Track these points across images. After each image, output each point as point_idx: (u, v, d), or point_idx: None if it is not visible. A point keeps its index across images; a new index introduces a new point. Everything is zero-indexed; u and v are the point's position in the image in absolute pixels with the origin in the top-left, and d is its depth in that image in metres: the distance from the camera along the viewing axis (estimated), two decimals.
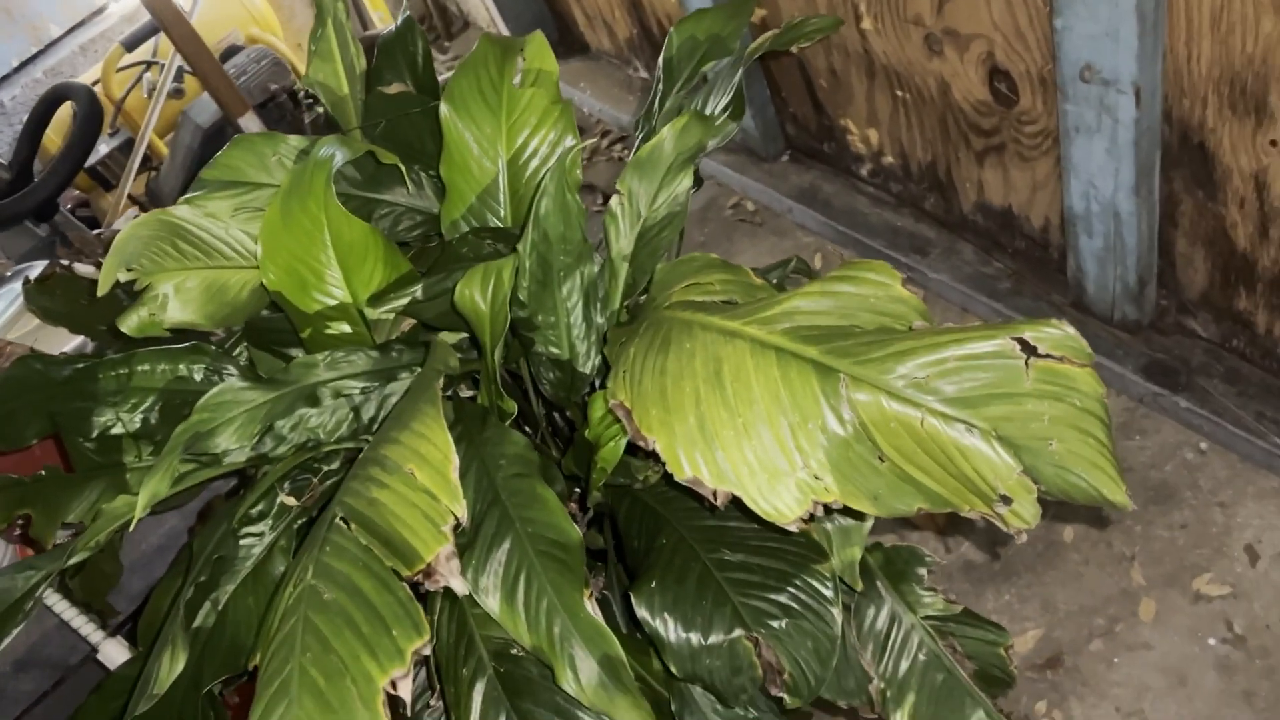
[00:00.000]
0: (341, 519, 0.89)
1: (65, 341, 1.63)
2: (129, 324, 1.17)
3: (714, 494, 0.84)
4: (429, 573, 0.84)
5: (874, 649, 1.12)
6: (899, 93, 2.01)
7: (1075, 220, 1.79)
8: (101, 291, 1.15)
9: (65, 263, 1.74)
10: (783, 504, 0.82)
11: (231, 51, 2.67)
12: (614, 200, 1.07)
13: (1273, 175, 1.50)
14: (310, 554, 0.89)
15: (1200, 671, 1.60)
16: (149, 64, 2.65)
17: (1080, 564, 1.77)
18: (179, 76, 2.61)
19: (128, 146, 2.63)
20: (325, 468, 1.19)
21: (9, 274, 1.79)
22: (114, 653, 1.60)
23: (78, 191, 2.70)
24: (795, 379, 0.83)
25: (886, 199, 2.30)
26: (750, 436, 0.83)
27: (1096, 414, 0.78)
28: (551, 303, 1.07)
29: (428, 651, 0.80)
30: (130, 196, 2.51)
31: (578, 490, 1.18)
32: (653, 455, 0.88)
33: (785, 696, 0.97)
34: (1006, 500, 0.76)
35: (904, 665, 1.12)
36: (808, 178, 2.43)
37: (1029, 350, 0.77)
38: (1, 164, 1.89)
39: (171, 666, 0.99)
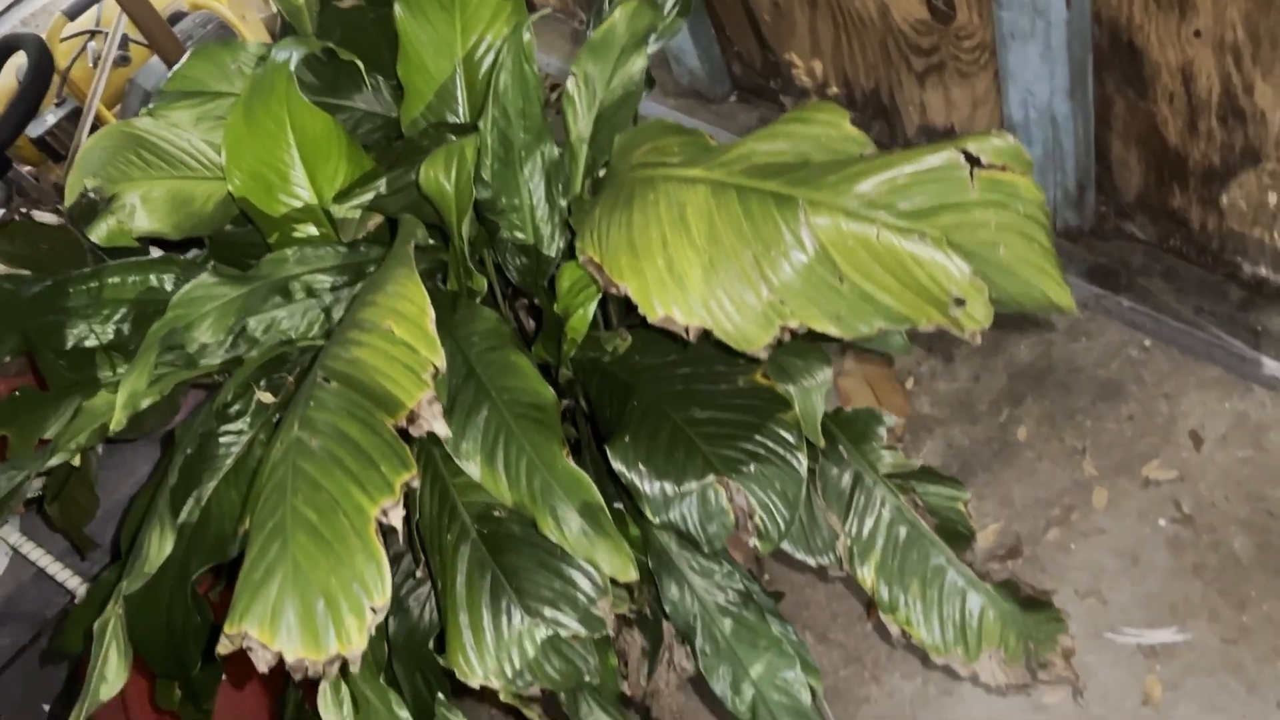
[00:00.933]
0: (323, 378, 0.92)
1: None
2: (98, 232, 1.19)
3: (686, 330, 0.88)
4: (412, 418, 0.87)
5: (839, 508, 1.16)
6: (840, 19, 2.07)
7: (1015, 130, 1.85)
8: (68, 202, 1.17)
9: (24, 210, 1.74)
10: (751, 331, 0.86)
11: (177, 17, 2.67)
12: (570, 83, 1.11)
13: (1198, 68, 1.56)
14: (294, 412, 0.91)
15: (1152, 551, 1.67)
16: (93, 33, 2.63)
17: (1034, 460, 1.83)
18: (124, 44, 2.60)
19: (75, 116, 2.62)
20: (300, 366, 1.21)
21: None
22: None
23: (27, 166, 2.68)
24: (756, 211, 0.87)
25: None
26: (717, 271, 0.87)
27: (1038, 220, 0.82)
28: (515, 183, 1.10)
29: (415, 484, 0.83)
30: None
31: (549, 374, 1.22)
32: (626, 309, 0.92)
33: (757, 543, 1.01)
34: (960, 303, 0.81)
35: (869, 522, 1.16)
36: (755, 116, 2.47)
37: (973, 161, 0.81)
38: None
39: (160, 546, 1.01)
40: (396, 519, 0.82)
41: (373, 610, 0.79)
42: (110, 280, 1.24)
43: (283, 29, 1.40)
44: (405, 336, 0.90)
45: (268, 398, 1.18)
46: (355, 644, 0.78)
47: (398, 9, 1.20)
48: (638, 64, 1.11)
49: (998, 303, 0.84)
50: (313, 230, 1.21)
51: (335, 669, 0.78)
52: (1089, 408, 1.85)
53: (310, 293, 1.15)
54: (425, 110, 1.22)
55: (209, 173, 1.26)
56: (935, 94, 2.02)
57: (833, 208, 0.84)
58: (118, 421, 1.11)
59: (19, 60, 2.40)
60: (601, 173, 1.10)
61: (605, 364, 1.12)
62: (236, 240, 1.30)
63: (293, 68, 1.13)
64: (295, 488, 0.84)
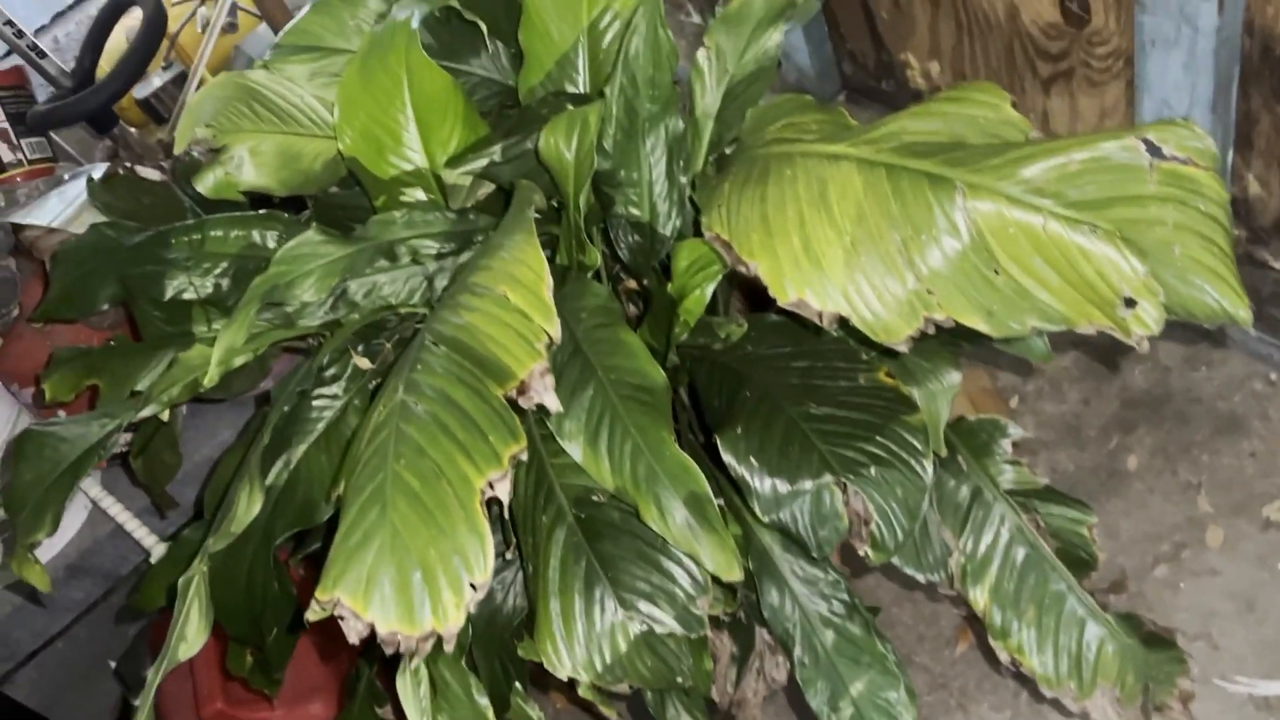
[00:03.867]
0: (431, 342, 0.87)
1: None
2: (205, 183, 1.16)
3: (820, 315, 0.82)
4: (522, 389, 0.82)
5: (955, 523, 1.09)
6: (964, 20, 1.99)
7: None
8: (178, 149, 1.15)
9: (128, 164, 1.73)
10: (892, 321, 0.80)
11: None
12: (700, 54, 1.06)
13: None
14: (399, 375, 0.87)
15: (1270, 597, 1.57)
16: None
17: (1145, 492, 1.73)
18: (233, 11, 2.61)
19: (181, 80, 2.64)
20: (399, 334, 1.17)
21: (69, 176, 1.78)
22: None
23: (132, 127, 2.71)
24: (907, 191, 0.81)
25: None
26: (859, 253, 0.81)
27: (1220, 220, 0.75)
28: (635, 156, 1.05)
29: (524, 457, 0.79)
30: None
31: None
32: (742, 294, 0.87)
33: (870, 552, 0.95)
34: (1130, 304, 0.74)
35: (985, 540, 1.09)
36: (865, 117, 2.38)
37: (1154, 151, 0.74)
38: (65, 71, 1.89)
39: (249, 507, 0.98)
40: (503, 493, 0.77)
41: (472, 587, 0.74)
42: (212, 233, 1.21)
43: None
44: (520, 303, 0.85)
45: (365, 363, 1.14)
46: (452, 620, 0.73)
47: None
48: (773, 39, 1.06)
49: (1166, 308, 0.77)
50: (421, 195, 1.17)
51: (429, 646, 0.73)
52: (1206, 441, 1.74)
53: (415, 258, 1.12)
54: (545, 79, 1.17)
55: (319, 130, 1.23)
56: (1060, 102, 1.93)
57: (994, 192, 0.77)
58: (211, 377, 1.08)
59: (130, 21, 2.42)
60: (729, 150, 1.05)
61: (715, 351, 1.06)
62: (341, 202, 1.26)
63: (414, 24, 1.09)
64: (398, 452, 0.80)
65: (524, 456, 0.78)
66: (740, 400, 0.99)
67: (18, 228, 1.61)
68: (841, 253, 0.82)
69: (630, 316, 1.29)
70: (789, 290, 0.83)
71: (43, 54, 1.86)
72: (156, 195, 1.53)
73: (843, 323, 0.82)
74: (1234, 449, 1.72)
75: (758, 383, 1.01)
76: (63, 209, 1.67)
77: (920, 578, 1.08)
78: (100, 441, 1.07)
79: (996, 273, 0.79)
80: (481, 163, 1.11)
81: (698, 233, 1.07)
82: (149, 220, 1.48)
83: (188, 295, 1.20)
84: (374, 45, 1.11)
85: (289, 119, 1.21)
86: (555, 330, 0.83)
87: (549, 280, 0.85)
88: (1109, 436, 1.81)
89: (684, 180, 1.08)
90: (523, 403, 0.82)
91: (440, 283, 1.16)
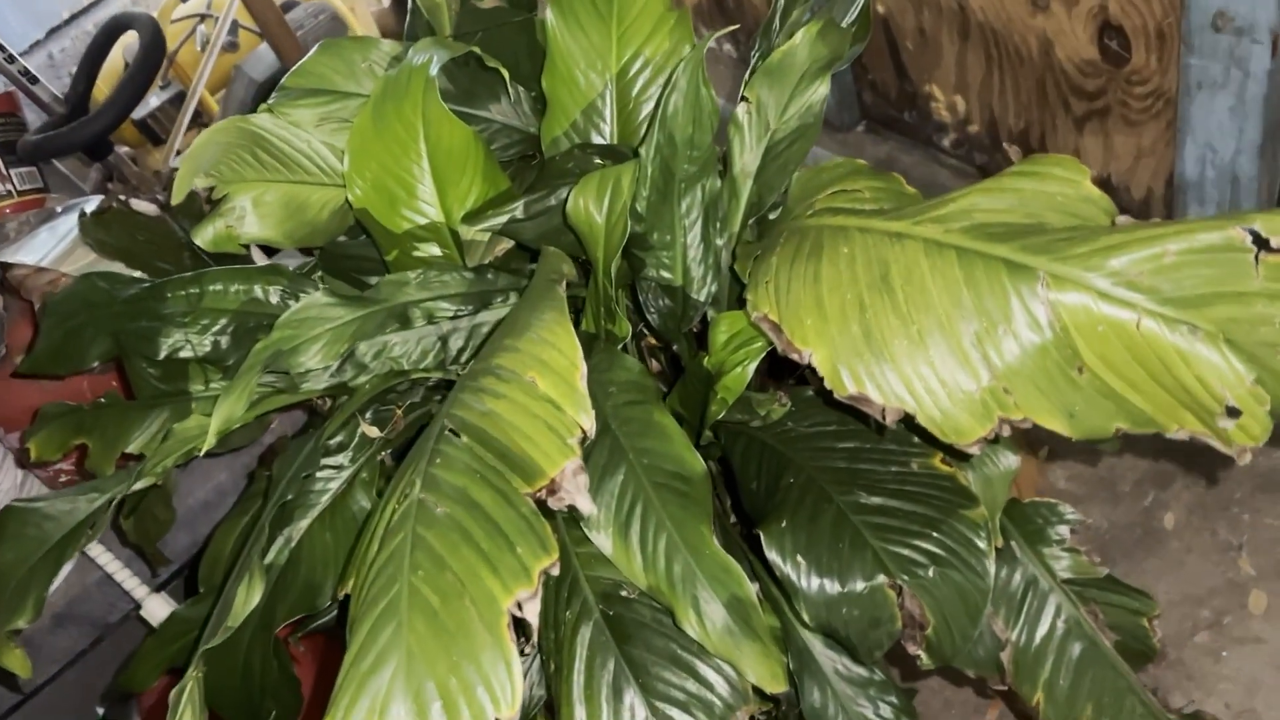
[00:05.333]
0: (450, 430, 0.80)
1: None
2: (205, 236, 1.09)
3: (882, 412, 0.75)
4: (553, 489, 0.74)
5: (1008, 614, 1.02)
6: (994, 54, 1.91)
7: (1186, 188, 1.68)
8: (176, 199, 1.07)
9: (122, 198, 1.65)
10: (963, 421, 0.73)
11: (288, 6, 2.60)
12: (740, 109, 0.98)
13: None
14: (415, 467, 0.79)
15: None
16: (204, 16, 2.57)
17: (1182, 552, 1.66)
18: (234, 30, 2.54)
19: (179, 100, 2.56)
20: (409, 400, 1.10)
21: (60, 209, 1.71)
22: (158, 609, 1.52)
23: (126, 147, 2.63)
24: (982, 280, 0.73)
25: (969, 170, 2.20)
26: (926, 345, 0.74)
27: None
28: (669, 218, 0.98)
29: (555, 571, 0.71)
30: (179, 153, 2.43)
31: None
32: (782, 368, 0.79)
33: (922, 655, 0.87)
34: (1233, 413, 0.66)
35: (1040, 632, 1.02)
36: (884, 149, 2.33)
37: (1260, 243, 0.67)
38: (58, 97, 1.81)
39: (248, 597, 0.90)
40: (532, 614, 0.69)
41: None
42: (211, 287, 1.13)
43: (410, 29, 1.29)
44: (550, 392, 0.77)
45: (373, 432, 1.07)
46: None
47: (549, 14, 1.08)
48: (818, 92, 0.98)
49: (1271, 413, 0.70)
50: (436, 251, 1.09)
51: None
52: (1247, 499, 1.67)
53: (430, 319, 1.04)
54: (569, 128, 1.10)
55: (326, 178, 1.15)
56: (1094, 140, 1.86)
57: (1081, 284, 0.70)
58: (209, 445, 1.00)
59: (128, 40, 2.34)
60: (772, 216, 0.97)
61: (754, 429, 0.99)
62: (350, 253, 1.19)
63: (432, 71, 1.02)
64: (415, 562, 0.72)
65: (555, 570, 0.70)
66: (783, 488, 0.92)
67: (5, 266, 1.53)
68: (906, 344, 0.74)
69: (652, 372, 1.21)
70: (847, 383, 0.76)
71: (34, 79, 1.78)
72: (152, 232, 1.45)
73: (908, 419, 0.75)
74: (1276, 509, 1.65)
75: (801, 466, 0.93)
76: (54, 245, 1.59)
77: (971, 673, 1.01)
78: (89, 518, 0.99)
79: (1080, 371, 0.71)
80: (502, 219, 1.04)
81: (736, 303, 1.00)
82: (144, 259, 1.40)
83: (184, 353, 1.12)
84: (388, 91, 1.03)
85: (295, 166, 1.13)
86: (590, 423, 0.75)
87: (582, 367, 0.77)
88: (1144, 492, 1.73)
89: (720, 243, 1.00)
90: (552, 503, 0.74)
91: (455, 343, 1.08)
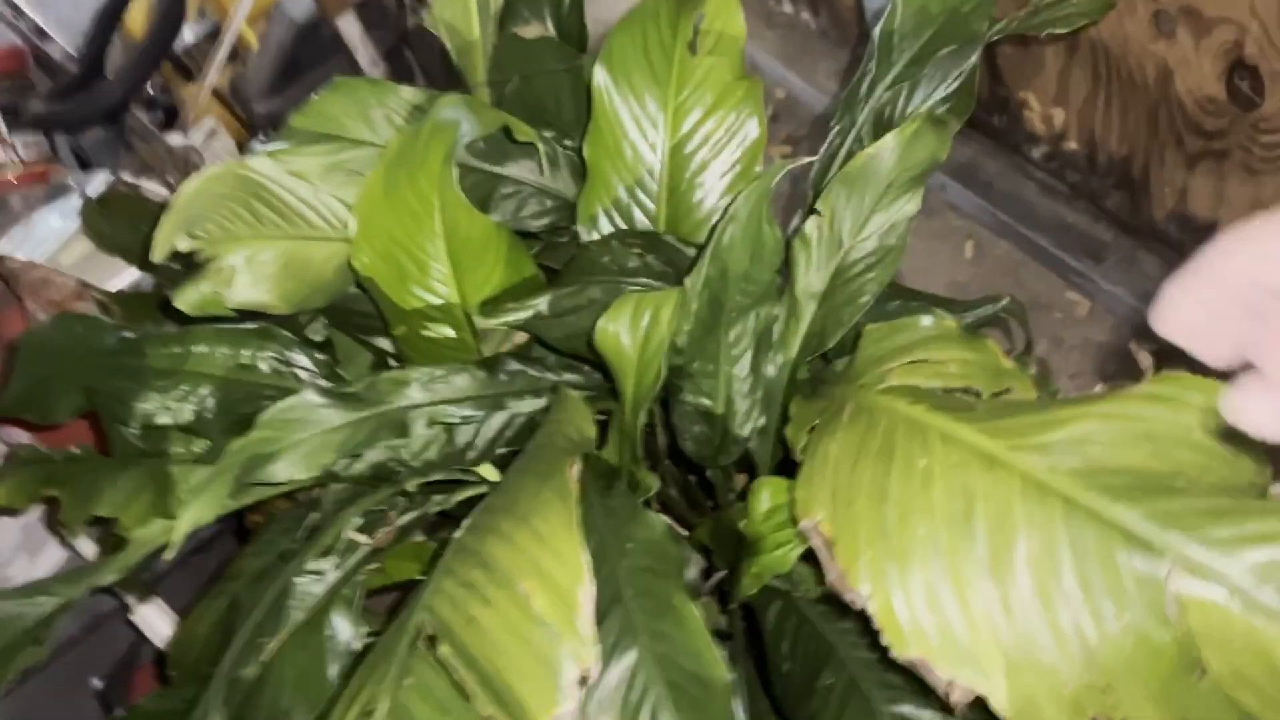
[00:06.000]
0: (429, 637, 0.67)
1: (119, 274, 1.42)
2: (186, 300, 0.95)
3: (949, 689, 0.61)
4: None
5: None
6: (1103, 72, 1.71)
7: None
8: (156, 258, 0.94)
9: (130, 179, 1.52)
10: (1047, 717, 0.59)
11: None
12: (811, 223, 0.82)
13: None
14: (383, 676, 0.67)
15: None
16: None
17: None
18: None
19: (215, 35, 2.41)
20: (403, 501, 0.97)
21: (70, 182, 1.58)
22: (152, 617, 1.43)
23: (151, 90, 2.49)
24: (1091, 549, 0.58)
25: (1060, 188, 2.00)
26: (1012, 616, 0.60)
27: None
28: (713, 349, 0.83)
29: None
30: (214, 93, 2.29)
31: (710, 568, 0.96)
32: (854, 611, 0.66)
33: None
34: None
35: None
36: (967, 152, 2.13)
37: None
38: (70, 55, 1.67)
39: None
40: None
41: None
42: (196, 349, 1.01)
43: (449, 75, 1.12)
44: (546, 613, 0.64)
45: (361, 539, 0.94)
46: None
47: (598, 74, 0.92)
48: (905, 209, 0.82)
49: None
50: (448, 333, 0.95)
51: None
52: None
53: (432, 424, 0.91)
54: (611, 205, 0.95)
55: (334, 232, 1.01)
56: (1204, 181, 1.66)
57: (1221, 582, 0.55)
58: (174, 548, 0.89)
59: None
60: (838, 364, 0.82)
61: (793, 598, 0.85)
62: (359, 308, 1.05)
63: (455, 142, 0.87)
64: None
65: None
66: (820, 689, 0.78)
67: None
68: (985, 608, 0.60)
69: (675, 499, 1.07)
70: (909, 643, 0.62)
71: (45, 35, 1.64)
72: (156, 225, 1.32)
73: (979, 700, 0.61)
74: None
75: (843, 660, 0.80)
76: (53, 231, 1.47)
77: None
78: (37, 627, 0.88)
79: (1201, 675, 0.57)
80: (524, 315, 0.89)
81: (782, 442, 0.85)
82: (144, 257, 1.27)
83: (162, 420, 1.00)
84: (402, 158, 0.89)
85: (297, 219, 0.99)
86: (592, 659, 0.63)
87: (590, 589, 0.64)
88: None
89: (773, 372, 0.86)
90: None
91: (462, 438, 0.95)
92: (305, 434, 0.87)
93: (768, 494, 0.78)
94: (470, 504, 1.05)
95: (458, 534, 0.75)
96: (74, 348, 1.03)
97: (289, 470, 0.87)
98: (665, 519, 0.79)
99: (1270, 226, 0.44)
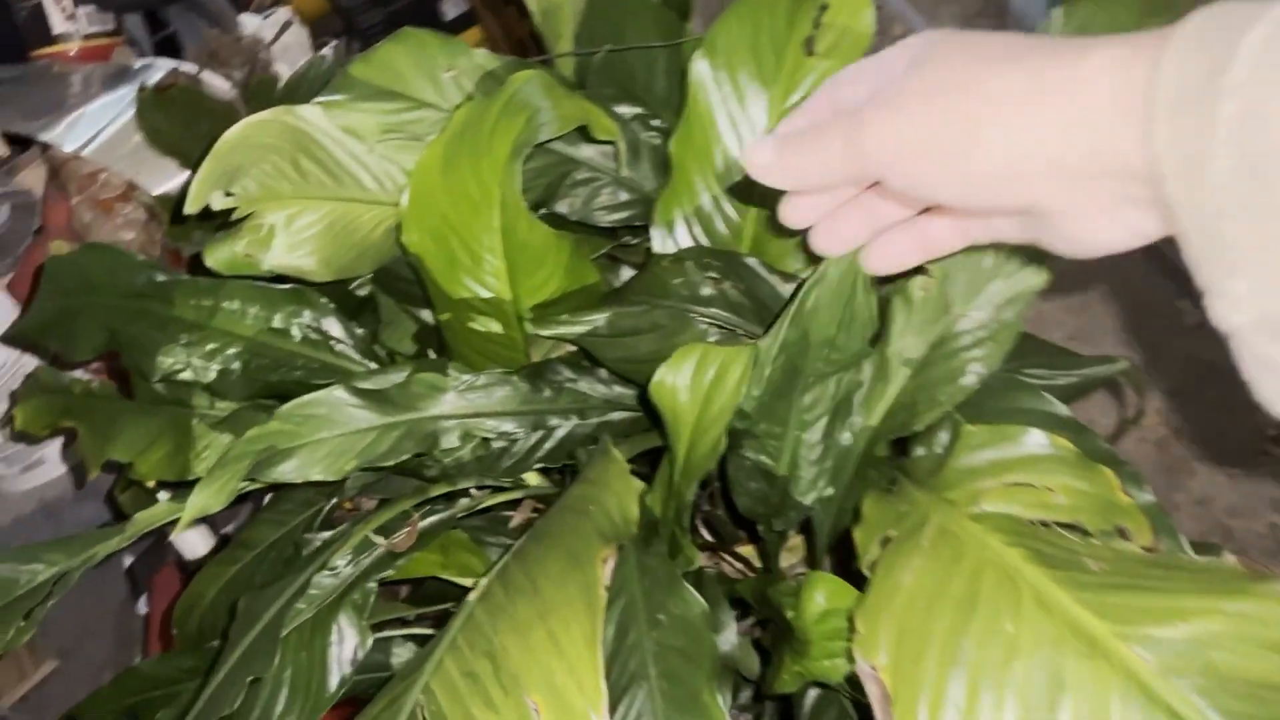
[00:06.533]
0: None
1: (171, 177, 1.35)
2: (218, 257, 0.87)
3: None
4: None
5: None
6: None
7: None
8: (189, 210, 0.85)
9: (192, 69, 1.43)
10: None
11: None
12: (918, 282, 0.71)
13: None
14: None
15: None
16: None
17: None
18: None
19: None
20: (428, 503, 0.90)
21: (136, 65, 1.49)
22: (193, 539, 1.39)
23: None
24: None
25: None
26: None
27: None
28: (783, 412, 0.73)
29: None
30: None
31: (748, 622, 0.88)
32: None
33: None
34: None
35: None
36: None
37: None
38: None
39: None
40: None
41: None
42: (227, 305, 0.93)
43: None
44: None
45: (380, 540, 0.88)
46: None
47: (697, 65, 0.80)
48: (1032, 280, 0.71)
49: None
50: (495, 328, 0.87)
51: None
52: None
53: (467, 437, 0.83)
54: (693, 212, 0.84)
55: (386, 196, 0.92)
56: None
57: None
58: (180, 530, 0.83)
59: None
60: (921, 449, 0.71)
61: (836, 690, 0.77)
62: (407, 275, 0.97)
63: (527, 130, 0.76)
64: None
65: None
66: None
67: (45, 145, 1.34)
68: None
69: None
70: None
71: None
72: (216, 123, 1.24)
73: None
74: None
75: None
76: (107, 121, 1.39)
77: None
78: (27, 597, 0.83)
79: None
80: (578, 330, 0.80)
81: (852, 514, 0.76)
82: (197, 161, 1.20)
83: (184, 376, 0.93)
84: (465, 138, 0.78)
85: (345, 178, 0.90)
86: None
87: (605, 715, 0.56)
88: None
89: (849, 440, 0.76)
90: None
91: (498, 443, 0.87)
92: (327, 434, 0.80)
93: (824, 595, 0.69)
94: (507, 506, 0.98)
95: (472, 596, 0.68)
96: (101, 282, 0.96)
97: (305, 470, 0.79)
98: (703, 603, 0.71)
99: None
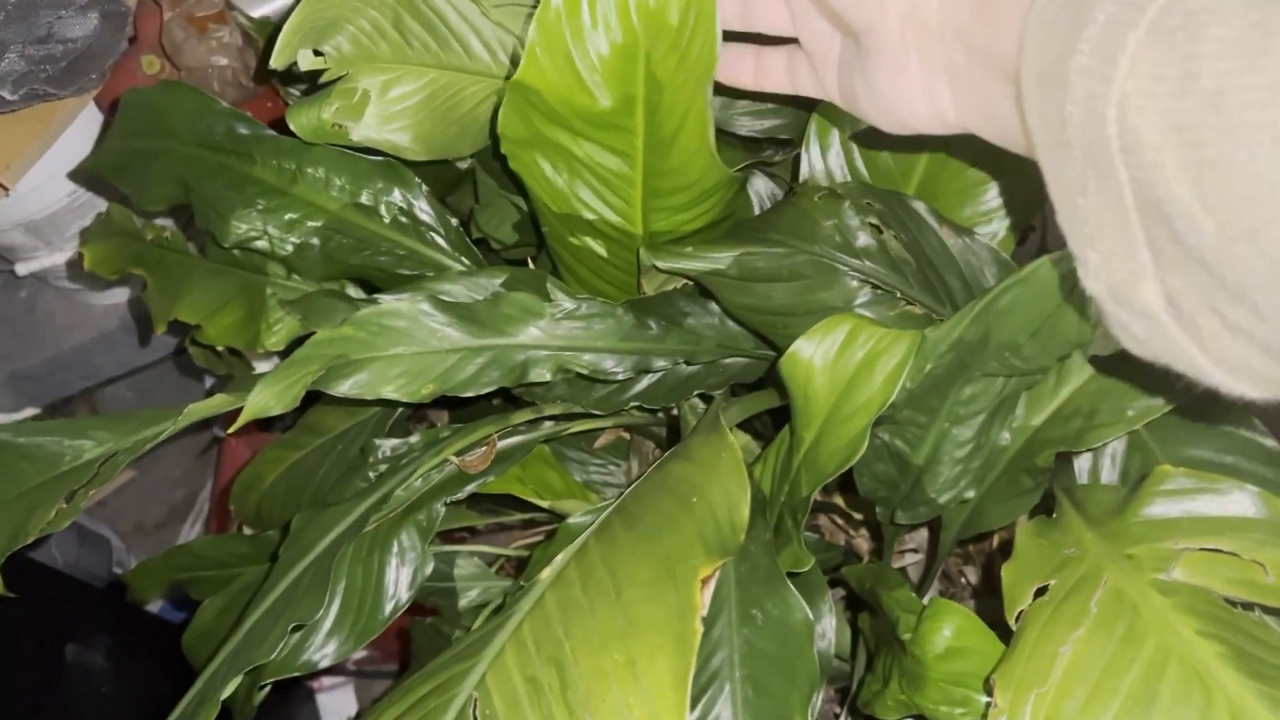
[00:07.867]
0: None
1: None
2: (301, 123, 0.76)
3: None
4: None
5: None
6: None
7: None
8: (275, 64, 0.74)
9: None
10: None
11: None
12: None
13: None
14: None
15: None
16: None
17: None
18: None
19: None
20: (512, 422, 0.81)
21: None
22: None
23: None
24: None
25: None
26: None
27: None
28: (935, 404, 0.61)
29: None
30: None
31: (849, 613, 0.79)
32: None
33: None
34: None
35: None
36: None
37: None
38: None
39: None
40: None
41: None
42: (311, 171, 0.83)
43: None
44: None
45: (456, 461, 0.79)
46: None
47: None
48: None
49: None
50: (601, 251, 0.75)
51: None
52: None
53: (560, 371, 0.72)
54: (851, 136, 0.71)
55: (497, 67, 0.80)
56: None
57: None
58: (239, 426, 0.75)
59: None
60: (1104, 496, 0.59)
61: None
62: None
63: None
64: None
65: None
66: None
67: None
68: None
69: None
70: None
71: None
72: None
73: None
74: None
75: None
76: None
77: None
78: (78, 471, 0.76)
79: None
80: (700, 268, 0.68)
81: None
82: None
83: (258, 245, 0.84)
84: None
85: (454, 45, 0.78)
86: None
87: None
88: None
89: (1006, 440, 0.64)
90: None
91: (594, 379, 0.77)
92: (404, 349, 0.70)
93: (951, 629, 0.59)
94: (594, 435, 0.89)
95: (545, 573, 0.59)
96: (179, 128, 0.86)
97: (376, 387, 0.70)
98: (807, 610, 0.61)
99: None
